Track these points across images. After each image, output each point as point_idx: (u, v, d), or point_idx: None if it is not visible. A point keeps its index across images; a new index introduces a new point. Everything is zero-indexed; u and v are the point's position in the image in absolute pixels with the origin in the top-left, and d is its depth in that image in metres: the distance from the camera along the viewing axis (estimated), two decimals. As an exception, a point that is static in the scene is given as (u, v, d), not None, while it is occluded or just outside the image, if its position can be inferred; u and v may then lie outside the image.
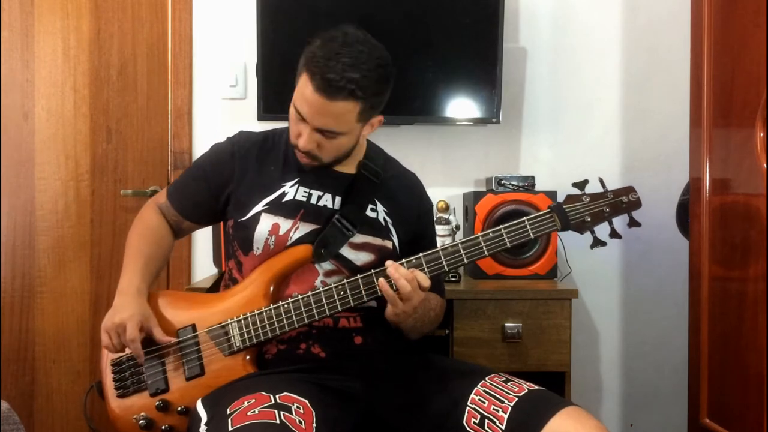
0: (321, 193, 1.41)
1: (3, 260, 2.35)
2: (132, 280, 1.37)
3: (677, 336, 2.17)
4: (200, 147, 2.33)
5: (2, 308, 2.35)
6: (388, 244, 1.43)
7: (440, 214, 2.11)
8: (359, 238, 1.39)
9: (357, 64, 1.25)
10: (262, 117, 2.17)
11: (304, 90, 1.28)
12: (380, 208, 1.44)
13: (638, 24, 2.32)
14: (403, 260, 1.32)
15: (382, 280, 1.29)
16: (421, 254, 1.32)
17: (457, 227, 2.10)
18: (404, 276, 1.27)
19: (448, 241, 2.04)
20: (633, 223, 1.38)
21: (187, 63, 2.33)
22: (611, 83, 2.33)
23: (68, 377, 2.37)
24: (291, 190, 1.40)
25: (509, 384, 1.29)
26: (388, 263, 1.29)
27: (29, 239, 2.37)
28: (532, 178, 2.11)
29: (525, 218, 1.34)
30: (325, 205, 1.40)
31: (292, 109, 1.34)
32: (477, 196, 2.01)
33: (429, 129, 2.30)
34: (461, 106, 2.20)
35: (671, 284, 2.26)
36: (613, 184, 1.40)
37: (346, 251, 1.38)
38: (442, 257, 1.32)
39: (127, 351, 1.33)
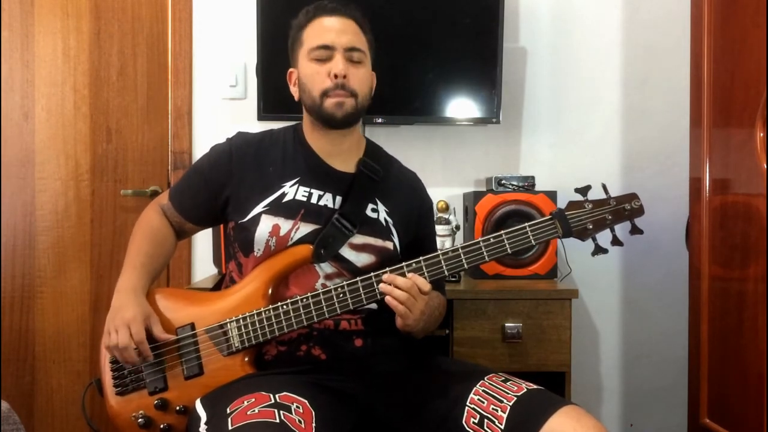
0: (321, 193, 1.40)
1: (3, 260, 2.35)
2: (130, 279, 1.37)
3: (677, 336, 2.17)
4: (200, 147, 2.33)
5: (2, 308, 2.35)
6: (389, 245, 1.42)
7: (440, 214, 2.11)
8: (360, 239, 1.39)
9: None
10: (262, 117, 2.17)
11: (318, 28, 1.40)
12: (381, 207, 1.44)
13: (638, 24, 2.32)
14: (403, 264, 1.31)
15: (388, 297, 1.28)
16: (421, 258, 1.31)
17: (457, 227, 2.10)
18: (402, 285, 1.27)
19: (447, 241, 2.04)
20: (635, 230, 1.36)
21: (187, 63, 2.33)
22: (611, 83, 2.32)
23: (68, 377, 2.37)
24: (291, 190, 1.39)
25: (508, 383, 1.29)
26: (382, 286, 1.28)
27: (29, 239, 2.37)
28: (532, 178, 2.11)
29: (527, 224, 1.33)
30: (325, 205, 1.39)
31: (308, 62, 1.39)
32: (477, 196, 2.01)
33: (429, 129, 2.30)
34: (461, 106, 2.20)
35: (671, 284, 2.25)
36: (612, 184, 1.39)
37: (346, 252, 1.38)
38: (443, 262, 1.31)
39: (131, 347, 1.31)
